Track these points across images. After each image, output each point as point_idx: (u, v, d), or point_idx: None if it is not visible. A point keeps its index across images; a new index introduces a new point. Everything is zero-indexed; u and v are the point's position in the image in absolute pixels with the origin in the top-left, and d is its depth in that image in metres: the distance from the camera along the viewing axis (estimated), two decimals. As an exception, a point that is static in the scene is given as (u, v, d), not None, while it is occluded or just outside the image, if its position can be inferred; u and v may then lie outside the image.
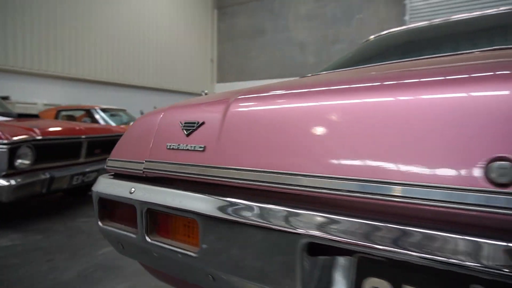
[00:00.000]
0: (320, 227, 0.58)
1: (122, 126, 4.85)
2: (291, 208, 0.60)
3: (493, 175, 0.46)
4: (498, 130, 0.47)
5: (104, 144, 3.30)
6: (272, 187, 0.64)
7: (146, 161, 0.85)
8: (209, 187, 0.74)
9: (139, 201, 0.81)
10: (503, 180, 0.45)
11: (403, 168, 0.53)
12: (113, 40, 9.09)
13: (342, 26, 10.71)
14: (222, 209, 0.68)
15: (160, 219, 0.81)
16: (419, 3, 9.20)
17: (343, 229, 0.56)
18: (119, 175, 0.95)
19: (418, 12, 9.16)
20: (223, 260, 0.69)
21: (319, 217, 0.58)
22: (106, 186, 0.91)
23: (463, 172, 0.48)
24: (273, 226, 0.61)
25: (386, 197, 0.53)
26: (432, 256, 0.49)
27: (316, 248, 0.59)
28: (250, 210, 0.65)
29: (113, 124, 5.20)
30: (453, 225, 0.49)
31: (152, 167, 0.83)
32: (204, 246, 0.71)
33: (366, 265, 0.57)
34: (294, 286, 0.60)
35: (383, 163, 0.55)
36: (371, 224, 0.54)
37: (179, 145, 0.80)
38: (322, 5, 10.90)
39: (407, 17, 9.32)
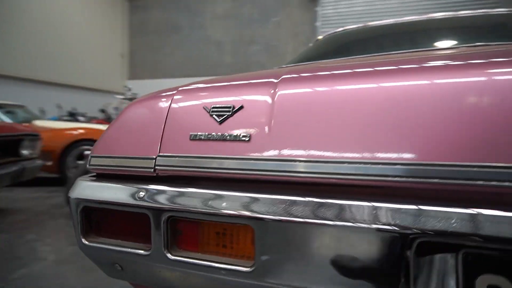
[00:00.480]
0: (432, 222, 0.49)
1: (26, 124, 4.14)
2: (395, 204, 0.51)
3: None
4: None
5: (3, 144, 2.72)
6: (360, 180, 0.53)
7: (159, 156, 0.66)
8: (261, 185, 0.60)
9: (156, 207, 0.63)
10: None
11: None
12: (11, 28, 7.79)
13: (259, 27, 10.95)
14: (297, 210, 0.55)
15: (183, 229, 0.64)
16: (329, 11, 9.89)
17: (457, 223, 0.49)
18: (107, 176, 0.73)
19: (329, 19, 9.83)
20: (291, 271, 0.56)
21: (429, 211, 0.49)
22: (94, 190, 0.69)
23: None
24: (374, 226, 0.51)
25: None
26: None
27: (423, 247, 0.51)
28: (339, 210, 0.53)
29: (9, 121, 4.42)
30: None
31: (168, 164, 0.65)
32: (263, 257, 0.57)
33: (479, 261, 0.50)
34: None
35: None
36: (482, 214, 0.48)
37: (210, 134, 0.64)
38: (238, 5, 10.98)
39: (318, 23, 9.94)
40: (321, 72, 0.66)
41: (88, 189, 0.70)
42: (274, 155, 0.59)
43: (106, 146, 0.74)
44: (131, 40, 11.82)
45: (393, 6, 9.39)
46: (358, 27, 1.99)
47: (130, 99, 4.47)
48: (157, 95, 0.76)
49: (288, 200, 0.56)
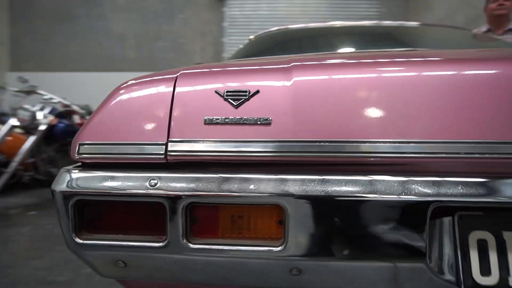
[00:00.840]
0: (445, 190, 0.58)
1: None
2: (414, 177, 0.59)
3: None
4: None
5: None
6: (380, 158, 0.60)
7: (170, 141, 0.63)
8: (287, 167, 0.62)
9: (174, 195, 0.60)
10: None
11: None
12: None
13: (164, 23, 10.59)
14: (326, 188, 0.59)
15: (202, 216, 0.63)
16: (236, 13, 10.11)
17: (464, 189, 0.59)
18: (97, 166, 0.67)
19: (235, 20, 10.05)
20: (319, 245, 0.60)
21: (442, 182, 0.59)
22: (93, 181, 0.62)
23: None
24: (398, 197, 0.58)
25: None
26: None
27: (437, 212, 0.60)
28: (364, 185, 0.59)
29: None
30: None
31: (183, 149, 0.63)
32: (293, 234, 0.59)
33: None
34: (422, 252, 0.58)
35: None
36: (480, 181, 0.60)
37: (228, 118, 0.64)
38: (142, -2, 10.45)
39: (226, 24, 10.08)
40: (328, 61, 0.71)
41: (83, 180, 0.63)
42: (298, 137, 0.62)
43: (99, 132, 0.66)
44: (13, 26, 10.26)
45: (295, 13, 10.07)
46: (288, 27, 2.14)
47: (28, 92, 3.89)
48: (152, 78, 0.71)
49: (318, 179, 0.59)
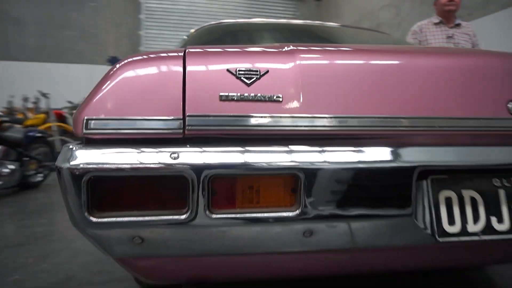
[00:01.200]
0: (426, 157, 0.71)
1: None
2: (403, 147, 0.70)
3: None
4: None
5: None
6: (376, 131, 0.70)
7: (189, 115, 0.64)
8: (300, 140, 0.68)
9: (198, 167, 0.62)
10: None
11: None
12: None
13: (73, 10, 9.70)
14: (333, 158, 0.67)
15: (221, 188, 0.65)
16: (153, 5, 9.74)
17: (440, 156, 0.72)
18: (105, 142, 0.64)
19: (153, 12, 9.67)
20: (329, 208, 0.67)
21: (424, 150, 0.71)
22: (110, 157, 0.61)
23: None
24: (390, 164, 0.68)
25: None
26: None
27: (420, 176, 0.72)
28: (364, 155, 0.68)
29: None
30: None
31: (201, 124, 0.65)
32: (308, 200, 0.66)
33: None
34: (410, 208, 0.70)
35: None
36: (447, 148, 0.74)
37: (242, 95, 0.68)
38: (44, -20, 9.42)
39: (142, 16, 9.64)
40: (323, 48, 0.79)
41: (98, 156, 0.60)
42: (307, 112, 0.68)
43: (108, 107, 0.64)
44: None
45: (214, 10, 10.09)
46: (229, 22, 2.21)
47: None
48: (157, 55, 0.71)
49: (327, 150, 0.67)
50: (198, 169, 0.62)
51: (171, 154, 0.62)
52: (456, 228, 0.75)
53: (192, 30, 2.08)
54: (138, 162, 0.61)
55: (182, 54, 0.70)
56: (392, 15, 8.98)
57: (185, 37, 2.02)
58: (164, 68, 0.68)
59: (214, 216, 0.63)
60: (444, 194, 0.76)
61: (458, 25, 2.61)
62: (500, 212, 0.78)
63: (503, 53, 0.88)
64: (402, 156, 0.70)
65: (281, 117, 0.67)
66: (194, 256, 0.66)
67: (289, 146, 0.67)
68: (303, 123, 0.68)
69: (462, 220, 0.76)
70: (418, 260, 0.79)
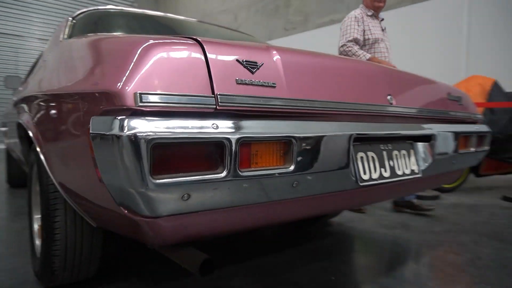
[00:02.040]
0: (357, 129, 1.08)
1: None
2: (349, 121, 1.04)
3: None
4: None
5: None
6: (333, 110, 1.03)
7: (219, 94, 0.81)
8: (288, 116, 0.94)
9: (233, 135, 0.80)
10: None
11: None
12: None
13: None
14: (314, 129, 0.95)
15: (247, 151, 0.85)
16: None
17: (365, 128, 1.10)
18: (152, 114, 0.74)
19: None
20: (309, 165, 0.96)
21: (356, 124, 1.08)
22: (165, 126, 0.72)
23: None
24: (339, 133, 1.02)
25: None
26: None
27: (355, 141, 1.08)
28: (330, 127, 0.99)
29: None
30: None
31: (227, 101, 0.83)
32: (299, 159, 0.93)
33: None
34: (349, 165, 1.05)
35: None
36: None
37: (251, 80, 0.88)
38: None
39: None
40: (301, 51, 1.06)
41: (158, 126, 0.70)
42: (295, 96, 0.94)
43: (156, 84, 0.73)
44: None
45: None
46: (114, 9, 2.21)
47: None
48: (178, 41, 0.82)
49: (311, 123, 0.95)
50: (232, 136, 0.79)
51: (212, 125, 0.77)
52: (366, 176, 1.16)
53: (70, 18, 1.98)
54: (189, 131, 0.73)
55: (199, 43, 0.84)
56: (231, 20, 9.84)
57: (70, 21, 1.90)
58: (190, 54, 0.81)
59: (242, 173, 0.82)
60: (359, 154, 1.15)
61: (382, 20, 2.93)
62: (385, 165, 1.23)
63: (384, 65, 1.36)
64: (344, 129, 1.05)
65: (276, 98, 0.91)
66: (223, 207, 0.83)
67: (285, 120, 0.92)
68: (288, 103, 0.93)
69: (369, 171, 1.17)
70: (347, 199, 1.17)
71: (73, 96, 0.94)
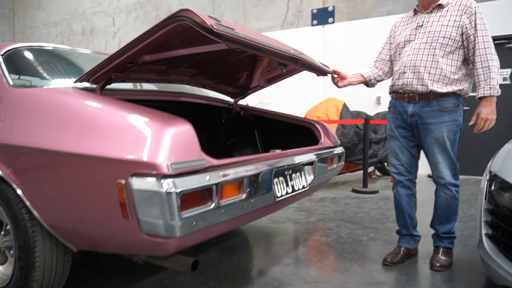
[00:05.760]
0: (276, 165, 1.71)
1: None
2: (269, 160, 1.66)
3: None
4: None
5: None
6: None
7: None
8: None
9: (217, 182, 1.33)
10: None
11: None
12: None
13: None
14: (255, 170, 1.54)
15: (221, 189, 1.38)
16: None
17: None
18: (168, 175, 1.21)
19: None
20: (254, 192, 1.54)
21: (273, 161, 1.71)
22: (189, 183, 1.20)
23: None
24: (267, 169, 1.63)
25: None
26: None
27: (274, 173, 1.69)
28: (262, 166, 1.59)
29: None
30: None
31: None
32: (247, 189, 1.50)
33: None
34: (271, 187, 1.67)
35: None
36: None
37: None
38: None
39: None
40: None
41: (183, 183, 1.18)
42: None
43: (175, 156, 1.20)
44: None
45: None
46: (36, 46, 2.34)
47: None
48: (183, 125, 1.29)
49: (253, 166, 1.53)
50: (217, 182, 1.31)
51: (206, 177, 1.28)
52: (279, 194, 1.80)
53: (2, 52, 2.02)
54: (196, 183, 1.23)
55: (188, 123, 1.33)
56: (108, 24, 9.53)
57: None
58: (188, 133, 1.30)
59: (222, 203, 1.34)
60: (275, 180, 1.79)
61: (438, 6, 2.09)
62: (289, 185, 1.90)
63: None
64: (270, 165, 1.66)
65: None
66: (211, 225, 1.34)
67: (243, 166, 1.48)
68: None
69: (280, 190, 1.81)
70: (269, 210, 1.79)
71: (92, 158, 1.28)
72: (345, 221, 3.26)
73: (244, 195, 1.48)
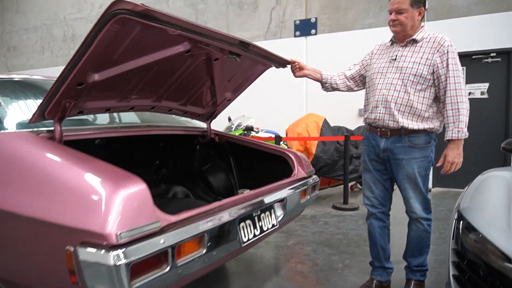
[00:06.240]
0: (238, 213, 1.67)
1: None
2: (233, 207, 1.62)
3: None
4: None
5: None
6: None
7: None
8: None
9: (172, 244, 1.28)
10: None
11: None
12: None
13: None
14: (214, 223, 1.49)
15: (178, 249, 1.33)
16: None
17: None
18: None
19: None
20: (215, 245, 1.49)
21: (238, 208, 1.66)
22: (140, 250, 1.15)
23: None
24: (231, 218, 1.59)
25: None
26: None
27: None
28: (226, 216, 1.55)
29: None
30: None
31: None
32: (208, 244, 1.45)
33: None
34: (236, 235, 1.63)
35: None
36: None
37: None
38: None
39: None
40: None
41: (137, 251, 1.13)
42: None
43: (125, 223, 1.15)
44: None
45: None
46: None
47: None
48: (136, 185, 1.24)
49: (214, 218, 1.48)
50: (173, 244, 1.26)
51: (160, 240, 1.23)
52: (246, 238, 1.76)
53: None
54: (149, 248, 1.18)
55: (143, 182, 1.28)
56: (89, 29, 9.35)
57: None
58: (142, 195, 1.25)
59: (178, 263, 1.29)
60: (241, 224, 1.75)
61: (413, 41, 2.06)
62: (256, 226, 1.86)
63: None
64: (234, 215, 1.62)
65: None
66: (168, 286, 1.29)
67: (198, 222, 1.43)
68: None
69: (247, 234, 1.77)
70: (235, 254, 1.75)
71: (42, 222, 1.22)
72: (322, 245, 3.25)
73: (205, 250, 1.43)
